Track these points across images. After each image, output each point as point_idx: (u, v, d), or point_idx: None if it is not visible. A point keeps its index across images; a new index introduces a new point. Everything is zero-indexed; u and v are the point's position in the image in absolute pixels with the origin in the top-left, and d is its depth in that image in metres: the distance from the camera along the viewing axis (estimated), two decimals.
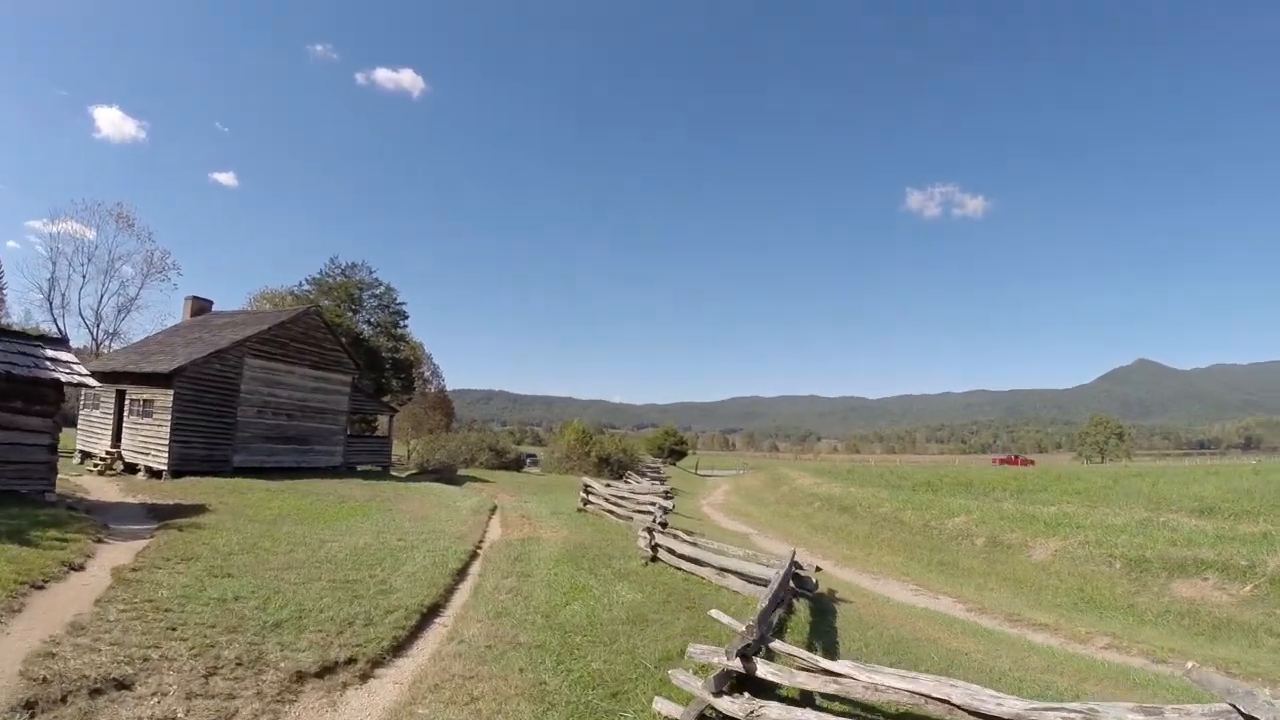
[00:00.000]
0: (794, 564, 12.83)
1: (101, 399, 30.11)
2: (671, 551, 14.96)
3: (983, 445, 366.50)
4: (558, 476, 51.26)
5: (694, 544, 14.70)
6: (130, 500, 20.03)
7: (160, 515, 17.09)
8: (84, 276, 61.47)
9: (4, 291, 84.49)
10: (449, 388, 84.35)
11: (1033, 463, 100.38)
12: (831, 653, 10.28)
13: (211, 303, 38.34)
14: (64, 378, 17.30)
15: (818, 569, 13.60)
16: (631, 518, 21.04)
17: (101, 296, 62.78)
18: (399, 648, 9.05)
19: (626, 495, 23.31)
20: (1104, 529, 20.41)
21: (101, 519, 15.70)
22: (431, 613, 10.71)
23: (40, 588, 9.67)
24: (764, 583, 12.34)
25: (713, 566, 13.83)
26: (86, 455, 30.08)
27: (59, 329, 58.21)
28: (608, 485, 26.40)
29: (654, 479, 44.05)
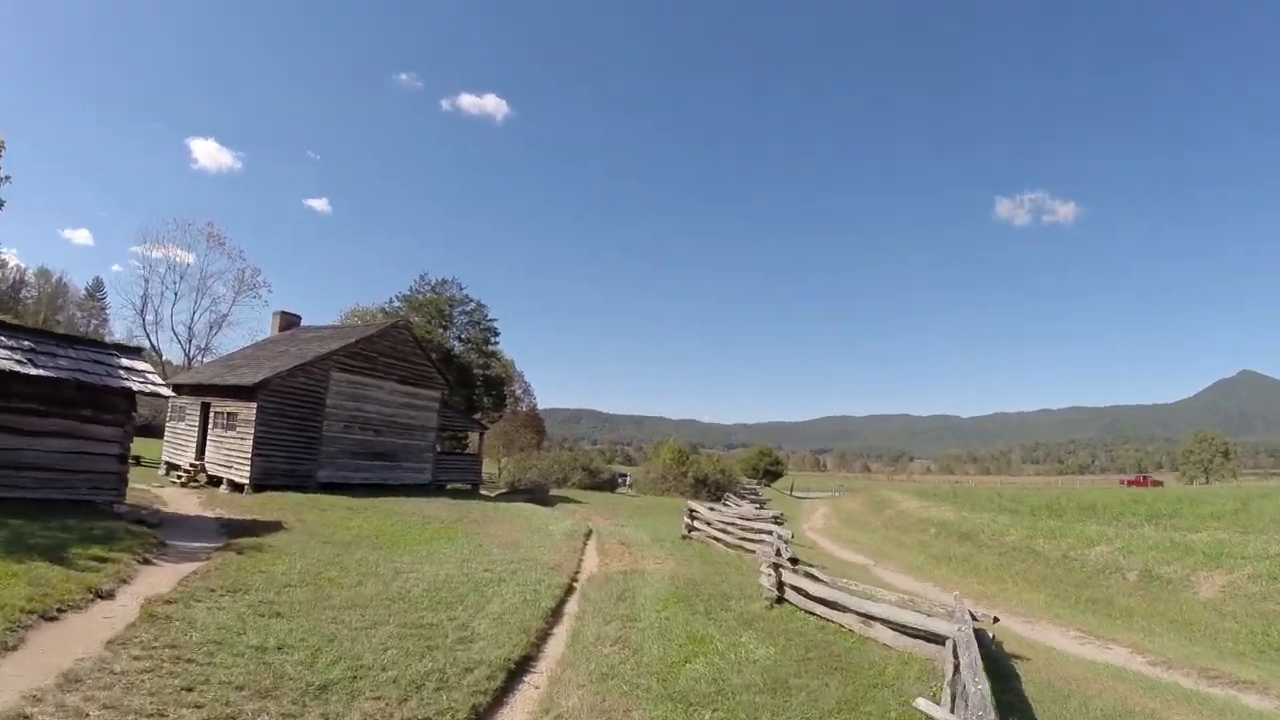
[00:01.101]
0: (970, 615, 10.15)
1: (187, 411, 29.68)
2: (802, 592, 12.43)
3: (1080, 465, 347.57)
4: (654, 498, 49.10)
5: (830, 584, 12.14)
6: (206, 514, 18.97)
7: (233, 531, 16.04)
8: (176, 294, 63.45)
9: (106, 311, 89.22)
10: (539, 406, 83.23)
11: (1161, 484, 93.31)
12: None
13: (300, 318, 37.89)
14: (136, 387, 16.48)
15: (995, 620, 10.84)
16: (743, 546, 18.61)
17: (194, 313, 64.59)
18: None
19: (734, 521, 20.89)
20: (1271, 560, 17.20)
21: (165, 534, 14.35)
22: (521, 668, 8.62)
23: (52, 619, 8.03)
24: (933, 638, 9.72)
25: (855, 613, 11.26)
26: (172, 467, 29.64)
27: (151, 344, 60.03)
28: (712, 509, 24.03)
29: (753, 501, 41.46)
